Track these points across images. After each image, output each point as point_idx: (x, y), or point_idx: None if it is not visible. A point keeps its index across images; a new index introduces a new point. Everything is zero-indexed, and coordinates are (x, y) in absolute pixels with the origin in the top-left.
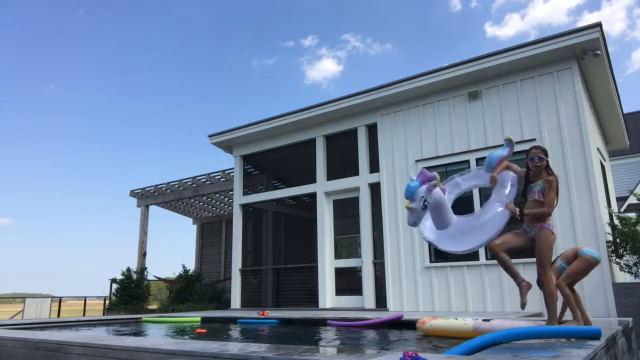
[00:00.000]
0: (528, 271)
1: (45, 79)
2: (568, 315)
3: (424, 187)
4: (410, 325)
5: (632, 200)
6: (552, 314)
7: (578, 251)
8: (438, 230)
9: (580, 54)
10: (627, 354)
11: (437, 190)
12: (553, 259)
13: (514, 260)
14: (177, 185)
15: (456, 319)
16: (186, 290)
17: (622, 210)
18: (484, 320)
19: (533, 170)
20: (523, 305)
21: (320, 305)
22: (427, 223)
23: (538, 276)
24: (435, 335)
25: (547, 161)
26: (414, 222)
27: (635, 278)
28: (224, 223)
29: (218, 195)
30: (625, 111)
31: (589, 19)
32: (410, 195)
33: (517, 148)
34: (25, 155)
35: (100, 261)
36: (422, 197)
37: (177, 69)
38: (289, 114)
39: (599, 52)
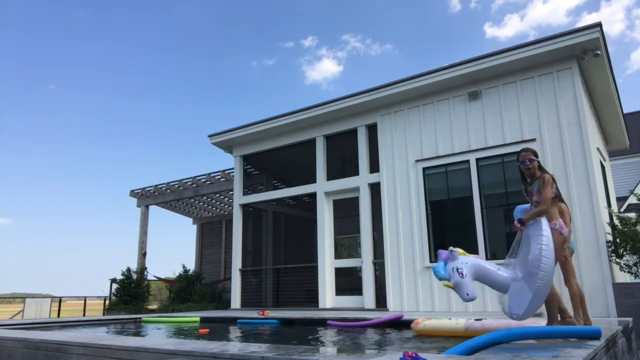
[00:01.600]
0: None
1: (45, 79)
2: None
3: (447, 261)
4: (410, 325)
5: (632, 200)
6: (552, 314)
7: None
8: (505, 294)
9: (580, 54)
10: (627, 354)
11: (463, 257)
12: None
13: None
14: (177, 185)
15: (449, 319)
16: (186, 290)
17: (622, 210)
18: (475, 320)
19: (525, 172)
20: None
21: (320, 305)
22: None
23: None
24: (430, 335)
25: (539, 162)
26: (467, 294)
27: (635, 278)
28: (224, 223)
29: (218, 195)
30: (625, 111)
31: (588, 19)
32: (439, 274)
33: (517, 148)
34: (25, 155)
35: (100, 261)
36: (453, 268)
37: (177, 70)
38: (289, 114)
39: (599, 52)
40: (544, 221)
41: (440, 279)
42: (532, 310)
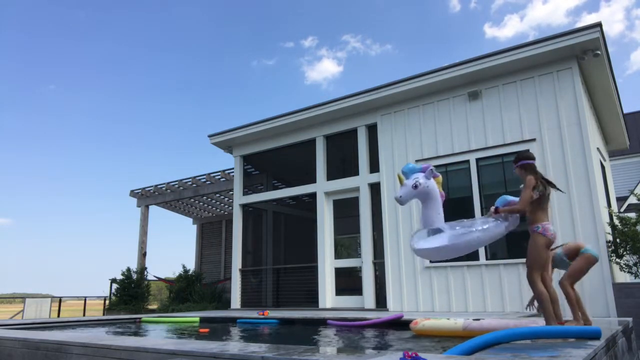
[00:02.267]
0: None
1: (46, 79)
2: (568, 315)
3: (423, 173)
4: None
5: (632, 200)
6: (548, 314)
7: (580, 248)
8: (425, 226)
9: (580, 54)
10: (627, 354)
11: (433, 182)
12: (555, 246)
13: (517, 260)
14: (177, 185)
15: (448, 319)
16: (186, 290)
17: (622, 210)
18: (474, 320)
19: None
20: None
21: (320, 305)
22: (418, 238)
23: (527, 275)
24: (429, 335)
25: (527, 164)
26: (401, 197)
27: (635, 278)
28: (224, 223)
29: (218, 195)
30: (625, 111)
31: (587, 19)
32: (407, 171)
33: (517, 148)
34: (25, 155)
35: (100, 261)
36: (417, 177)
37: (177, 70)
38: (289, 114)
39: (599, 52)
40: (507, 224)
41: (403, 172)
42: (427, 252)
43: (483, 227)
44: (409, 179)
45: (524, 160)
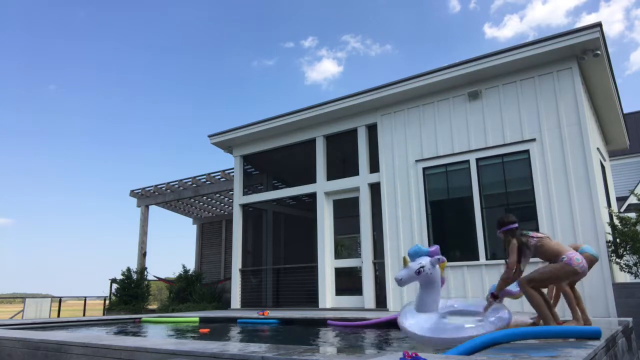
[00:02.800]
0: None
1: (46, 79)
2: (567, 315)
3: (430, 258)
4: None
5: (632, 200)
6: (544, 316)
7: (578, 248)
8: (418, 311)
9: (580, 54)
10: (627, 354)
11: (437, 269)
12: None
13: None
14: (177, 185)
15: None
16: (186, 290)
17: (622, 210)
18: None
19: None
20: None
21: (320, 305)
22: (410, 321)
23: (520, 279)
24: None
25: (509, 230)
26: (401, 279)
27: (635, 278)
28: (224, 223)
29: (218, 195)
30: (625, 111)
31: (587, 20)
32: (413, 253)
33: (517, 148)
34: (25, 155)
35: (100, 261)
36: (422, 263)
37: (177, 70)
38: (289, 114)
39: (599, 52)
40: (496, 322)
41: (409, 254)
42: (409, 334)
43: (475, 326)
44: (414, 261)
45: (506, 226)
